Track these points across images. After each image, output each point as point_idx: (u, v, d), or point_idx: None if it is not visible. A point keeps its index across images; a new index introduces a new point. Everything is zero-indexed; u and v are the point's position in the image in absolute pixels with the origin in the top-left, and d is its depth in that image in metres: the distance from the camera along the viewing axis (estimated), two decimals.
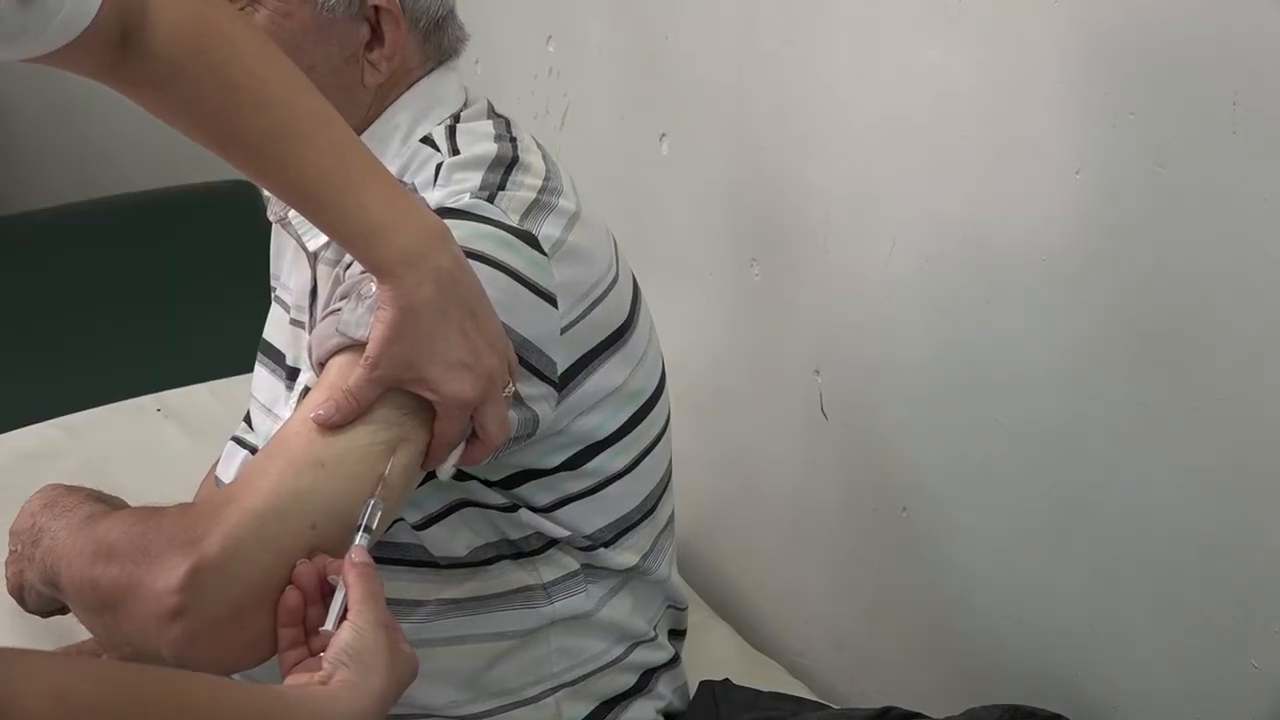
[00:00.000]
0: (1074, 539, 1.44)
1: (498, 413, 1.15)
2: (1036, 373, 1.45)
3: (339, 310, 1.18)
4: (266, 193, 1.41)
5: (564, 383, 1.26)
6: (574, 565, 1.34)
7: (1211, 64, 1.23)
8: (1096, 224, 1.36)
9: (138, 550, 1.10)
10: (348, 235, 1.13)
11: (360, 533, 1.10)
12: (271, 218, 1.42)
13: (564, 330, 1.25)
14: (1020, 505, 1.50)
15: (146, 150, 3.05)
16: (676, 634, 1.50)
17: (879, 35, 1.57)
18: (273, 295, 1.48)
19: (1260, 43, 1.19)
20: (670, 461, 1.44)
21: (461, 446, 1.17)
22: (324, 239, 1.31)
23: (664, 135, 1.95)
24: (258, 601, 1.08)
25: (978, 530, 1.56)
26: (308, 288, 1.36)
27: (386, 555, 1.28)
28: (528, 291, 1.22)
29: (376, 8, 1.29)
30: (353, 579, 1.06)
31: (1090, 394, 1.40)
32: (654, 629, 1.44)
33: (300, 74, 1.14)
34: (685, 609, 1.50)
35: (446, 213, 1.22)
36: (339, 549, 1.11)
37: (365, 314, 1.14)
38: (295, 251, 1.40)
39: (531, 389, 1.23)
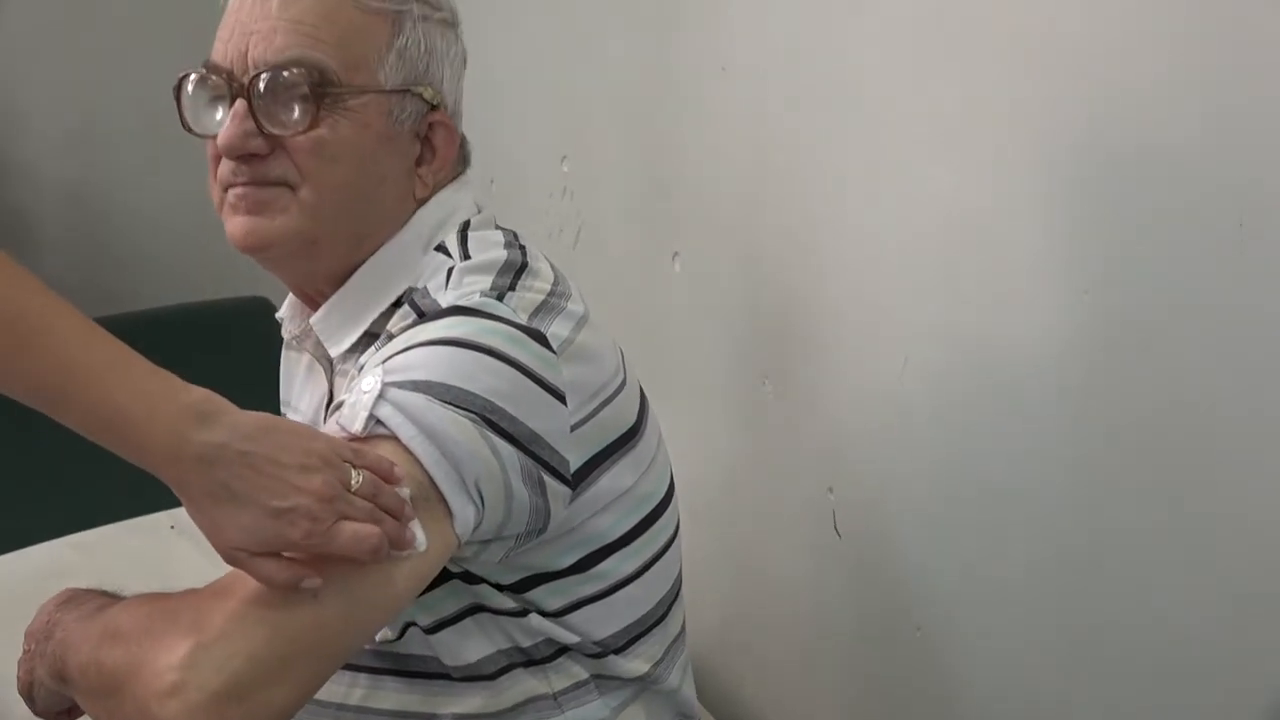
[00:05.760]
0: (1089, 657, 1.43)
1: (359, 510, 1.11)
2: (1049, 490, 1.45)
3: (342, 404, 1.21)
4: (280, 311, 1.43)
5: (577, 481, 1.27)
6: (583, 675, 1.34)
7: (1218, 183, 1.24)
8: (1106, 343, 1.37)
9: (142, 632, 1.11)
10: (95, 428, 1.07)
11: None
12: (285, 335, 1.43)
13: (574, 428, 1.26)
14: (1035, 623, 1.49)
15: (164, 266, 3.08)
16: None
17: (890, 154, 1.58)
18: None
19: (1266, 161, 1.20)
20: (680, 570, 1.44)
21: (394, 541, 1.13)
22: (347, 344, 1.32)
23: (677, 254, 1.96)
24: (257, 674, 1.08)
25: (993, 649, 1.55)
26: (324, 401, 1.38)
27: (402, 668, 1.29)
28: (537, 387, 1.24)
29: (431, 124, 1.33)
30: None
31: (1104, 512, 1.40)
32: None
33: (25, 273, 1.07)
34: None
35: (457, 310, 1.25)
36: (342, 622, 1.11)
37: (361, 409, 1.17)
38: (306, 373, 1.42)
39: (543, 476, 1.24)
